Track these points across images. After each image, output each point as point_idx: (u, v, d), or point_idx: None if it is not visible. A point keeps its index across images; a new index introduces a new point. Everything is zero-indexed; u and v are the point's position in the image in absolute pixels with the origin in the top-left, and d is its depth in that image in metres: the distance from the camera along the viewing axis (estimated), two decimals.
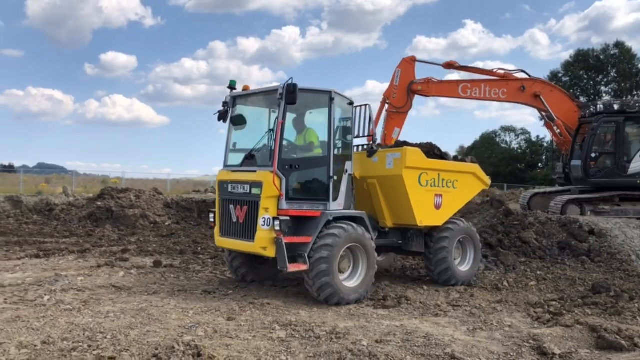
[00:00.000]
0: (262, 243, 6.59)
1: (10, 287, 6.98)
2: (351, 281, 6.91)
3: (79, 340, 4.84)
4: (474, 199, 14.07)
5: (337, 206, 7.08)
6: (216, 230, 7.45)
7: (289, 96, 6.54)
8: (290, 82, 6.56)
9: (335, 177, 7.05)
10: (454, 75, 19.71)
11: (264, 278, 7.91)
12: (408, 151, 7.78)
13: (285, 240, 6.50)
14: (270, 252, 6.58)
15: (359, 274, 6.99)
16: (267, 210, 6.62)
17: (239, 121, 7.45)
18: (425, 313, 6.51)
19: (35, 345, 4.65)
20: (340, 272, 6.79)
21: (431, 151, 8.49)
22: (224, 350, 4.70)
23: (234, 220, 7.09)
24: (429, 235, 8.26)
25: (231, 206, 7.14)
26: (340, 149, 7.47)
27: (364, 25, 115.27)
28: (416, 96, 13.53)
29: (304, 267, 6.57)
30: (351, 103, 7.56)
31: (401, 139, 9.15)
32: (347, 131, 7.56)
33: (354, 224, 6.89)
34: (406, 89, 13.22)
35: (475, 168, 8.75)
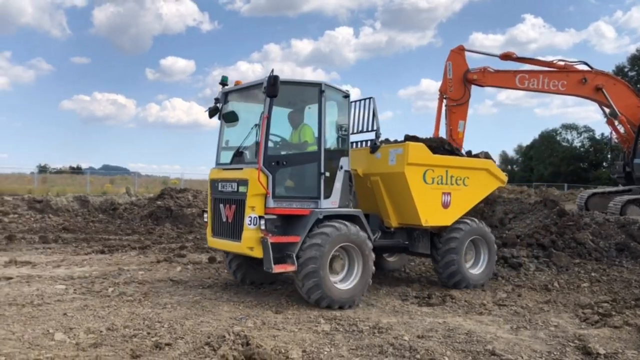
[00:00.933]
0: (249, 243, 6.30)
1: (79, 279, 7.55)
2: (345, 283, 6.56)
3: (139, 328, 5.25)
4: (527, 199, 13.85)
5: (330, 204, 6.70)
6: (208, 230, 7.25)
7: (270, 89, 6.22)
8: (271, 74, 6.23)
9: (328, 174, 6.69)
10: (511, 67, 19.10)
11: (262, 279, 7.68)
12: (410, 146, 7.28)
13: (271, 239, 6.19)
14: (258, 252, 6.26)
15: (354, 275, 6.61)
16: (253, 209, 6.34)
17: (230, 118, 7.12)
18: (470, 311, 6.56)
19: (101, 331, 5.09)
20: (334, 273, 6.50)
21: (441, 146, 8.10)
22: (271, 341, 4.96)
23: (224, 219, 6.87)
24: (438, 236, 7.81)
25: (221, 205, 6.92)
26: (335, 144, 7.09)
27: (418, 23, 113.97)
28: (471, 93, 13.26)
29: (291, 268, 6.26)
30: (347, 96, 7.15)
31: (411, 133, 8.87)
32: (342, 125, 7.14)
33: (347, 223, 6.52)
34: (462, 80, 12.91)
35: (489, 164, 8.24)
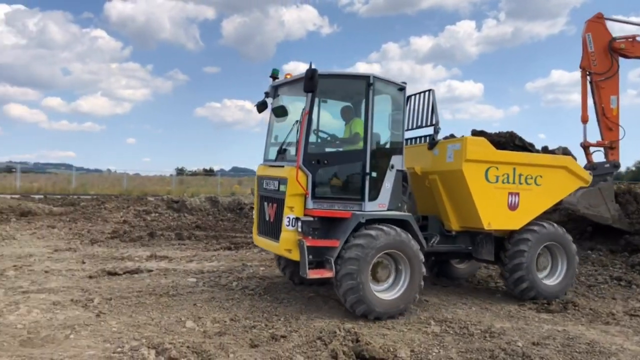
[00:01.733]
0: (287, 245, 6.02)
1: (208, 273, 8.27)
2: (389, 293, 6.09)
3: (258, 320, 5.68)
4: None
5: (376, 206, 6.26)
6: (254, 228, 7.08)
7: (307, 83, 5.88)
8: (309, 67, 5.90)
9: (375, 174, 6.26)
10: None
11: (310, 280, 7.15)
12: (469, 141, 6.63)
13: (307, 243, 5.87)
14: (295, 255, 5.95)
15: (400, 285, 6.12)
16: (292, 210, 6.05)
17: (280, 112, 6.55)
18: (594, 320, 6.15)
19: (225, 321, 5.59)
20: (378, 281, 6.10)
21: (510, 142, 7.41)
22: (380, 339, 5.10)
23: (267, 218, 6.64)
24: (507, 239, 7.09)
25: (265, 203, 6.70)
26: (385, 142, 6.69)
27: (547, 11, 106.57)
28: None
29: (327, 274, 5.89)
30: (402, 88, 6.62)
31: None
32: (396, 121, 6.68)
33: (396, 228, 6.03)
34: (606, 50, 11.43)
35: (568, 161, 7.32)
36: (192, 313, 5.87)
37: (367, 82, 6.22)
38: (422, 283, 6.19)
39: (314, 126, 6.36)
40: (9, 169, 35.86)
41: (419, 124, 7.38)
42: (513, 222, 6.96)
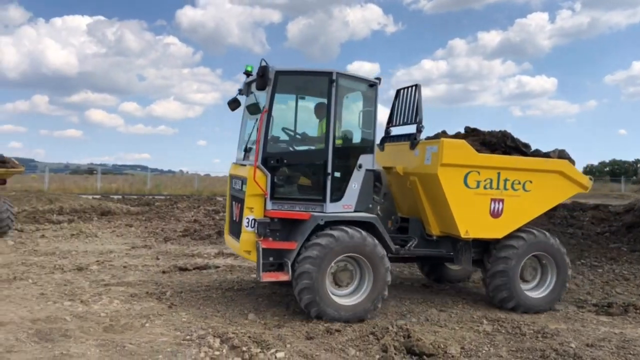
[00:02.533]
0: (246, 246, 5.87)
1: None
2: (351, 298, 5.87)
3: None
4: None
5: (340, 208, 5.99)
6: (225, 227, 7.01)
7: (259, 81, 5.73)
8: (261, 64, 5.74)
9: (339, 174, 6.01)
10: None
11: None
12: (445, 144, 6.14)
13: (263, 245, 5.70)
14: (254, 257, 5.79)
15: (363, 290, 5.88)
16: (251, 210, 5.87)
17: (254, 110, 6.17)
18: None
19: (284, 315, 5.98)
20: (339, 286, 5.88)
21: (502, 142, 6.79)
22: (431, 336, 5.27)
23: (234, 218, 6.51)
24: (494, 243, 6.61)
25: (233, 203, 6.58)
26: (353, 140, 6.44)
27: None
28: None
29: (283, 277, 5.68)
30: (373, 85, 6.29)
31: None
32: (366, 119, 6.36)
33: (361, 231, 5.77)
34: None
35: (563, 165, 6.66)
36: (254, 306, 6.29)
37: (329, 79, 5.95)
38: (386, 292, 5.91)
39: (281, 124, 6.27)
40: (90, 171, 38.42)
41: (406, 120, 6.98)
42: (495, 230, 6.47)
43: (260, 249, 5.65)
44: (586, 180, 6.82)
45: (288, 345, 4.86)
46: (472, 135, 6.96)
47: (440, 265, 7.89)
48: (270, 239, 5.86)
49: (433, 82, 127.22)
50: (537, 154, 6.87)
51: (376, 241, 5.83)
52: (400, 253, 6.52)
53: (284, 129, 6.35)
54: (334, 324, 5.59)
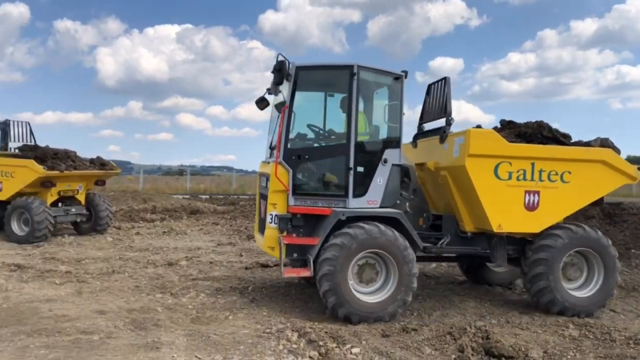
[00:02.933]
0: (270, 242, 5.92)
1: None
2: (377, 295, 5.76)
3: None
4: None
5: (364, 203, 5.95)
6: (255, 225, 7.11)
7: (276, 76, 5.77)
8: (278, 59, 5.73)
9: (362, 169, 5.99)
10: None
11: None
12: (472, 134, 5.90)
13: (285, 240, 5.79)
14: (277, 253, 5.85)
15: (388, 288, 5.76)
16: (274, 207, 5.91)
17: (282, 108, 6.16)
18: None
19: None
20: (364, 283, 5.81)
21: (538, 133, 6.40)
22: (511, 338, 5.14)
23: (261, 215, 6.59)
24: (530, 243, 6.31)
25: (261, 200, 6.67)
26: (378, 135, 6.38)
27: None
28: None
29: (304, 273, 5.80)
30: (398, 77, 6.19)
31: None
32: (392, 112, 6.26)
33: (380, 226, 5.65)
34: None
35: (606, 154, 6.17)
36: None
37: (350, 72, 5.89)
38: (414, 285, 5.76)
39: (307, 121, 6.28)
40: (180, 172, 40.47)
41: (436, 115, 6.84)
42: (532, 224, 6.15)
43: (282, 245, 5.76)
44: (634, 170, 6.30)
45: (364, 342, 4.94)
46: (508, 128, 6.68)
47: (481, 265, 7.54)
48: (294, 235, 5.90)
49: (521, 76, 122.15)
50: (578, 144, 6.44)
51: (397, 234, 5.69)
52: (432, 251, 6.39)
53: (309, 126, 6.34)
54: (410, 322, 5.61)
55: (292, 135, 6.05)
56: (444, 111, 6.48)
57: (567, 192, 6.12)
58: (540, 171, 6.05)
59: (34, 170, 10.74)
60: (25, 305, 6.00)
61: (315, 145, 6.40)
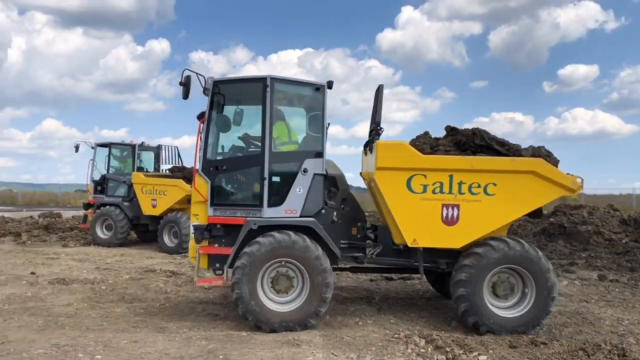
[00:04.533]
0: (192, 252, 6.11)
1: None
2: (290, 305, 5.74)
3: None
4: None
5: (282, 212, 5.89)
6: None
7: (182, 90, 5.85)
8: (182, 74, 5.84)
9: (278, 178, 5.94)
10: None
11: None
12: (379, 146, 5.75)
13: (201, 250, 5.93)
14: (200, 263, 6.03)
15: (300, 297, 5.74)
16: (196, 217, 6.06)
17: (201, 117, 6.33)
18: None
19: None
20: (281, 292, 5.77)
21: (470, 141, 5.96)
22: None
23: None
24: (454, 262, 5.96)
25: None
26: (297, 145, 6.38)
27: None
28: None
29: (217, 282, 5.99)
30: (319, 88, 6.13)
31: None
32: (314, 123, 6.25)
33: (290, 234, 5.64)
34: None
35: (536, 164, 5.69)
36: (457, 315, 6.55)
37: (263, 85, 5.94)
38: (327, 295, 5.66)
39: (239, 132, 6.36)
40: None
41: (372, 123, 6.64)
42: (451, 239, 5.82)
43: (198, 254, 5.95)
44: (570, 181, 5.77)
45: (490, 351, 5.06)
46: (451, 135, 6.35)
47: (446, 276, 6.90)
48: (216, 245, 6.04)
49: None
50: (516, 152, 5.98)
51: (309, 243, 5.67)
52: (363, 261, 6.38)
53: (240, 137, 6.43)
54: (539, 336, 5.59)
55: (210, 147, 6.15)
56: (373, 120, 6.36)
57: (492, 205, 5.78)
58: (460, 183, 5.77)
59: (183, 188, 12.26)
60: (184, 305, 6.93)
61: (233, 156, 6.44)
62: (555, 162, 5.94)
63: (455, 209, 5.79)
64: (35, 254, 11.68)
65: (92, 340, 5.16)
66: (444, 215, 5.79)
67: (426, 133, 6.40)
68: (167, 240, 12.45)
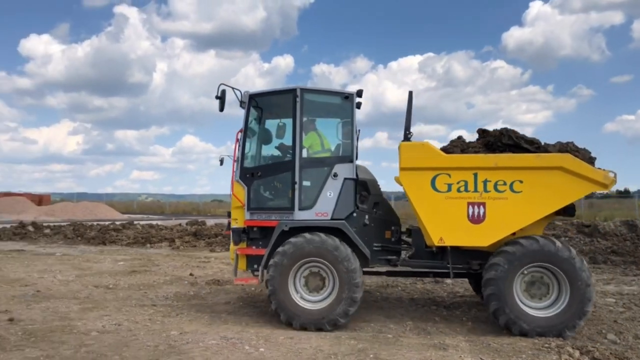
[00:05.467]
0: (232, 253, 6.52)
1: (628, 296, 8.20)
2: (321, 303, 5.99)
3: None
4: None
5: (313, 215, 6.18)
6: None
7: (219, 103, 6.36)
8: (218, 89, 6.32)
9: (309, 183, 6.26)
10: None
11: None
12: (402, 147, 5.97)
13: (238, 251, 6.35)
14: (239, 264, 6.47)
15: (329, 295, 5.99)
16: (236, 222, 6.46)
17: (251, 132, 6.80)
18: None
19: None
20: (313, 291, 6.07)
21: (498, 140, 6.00)
22: None
23: None
24: (485, 262, 5.90)
25: None
26: (328, 151, 6.67)
27: None
28: None
29: (251, 281, 6.43)
30: (347, 97, 6.40)
31: None
32: (345, 130, 6.51)
33: (321, 235, 5.91)
34: None
35: (564, 159, 5.61)
36: (613, 328, 6.21)
37: (293, 95, 6.27)
38: (357, 295, 5.85)
39: (276, 142, 6.70)
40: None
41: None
42: (478, 237, 5.79)
43: (236, 255, 6.41)
44: (601, 176, 5.59)
45: None
46: (482, 137, 6.39)
47: None
48: (253, 247, 6.39)
49: None
50: (545, 149, 5.92)
51: (338, 243, 5.90)
52: (396, 264, 6.49)
53: (277, 147, 6.75)
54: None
55: (247, 155, 6.56)
56: (405, 126, 6.40)
57: (519, 202, 5.69)
58: (485, 181, 5.75)
59: None
60: None
61: (268, 163, 6.78)
62: (586, 158, 5.82)
63: (482, 207, 5.81)
64: (189, 257, 12.98)
65: (253, 335, 5.70)
66: (470, 213, 5.83)
67: (459, 137, 6.53)
68: None
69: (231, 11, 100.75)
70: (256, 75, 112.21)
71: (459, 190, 5.84)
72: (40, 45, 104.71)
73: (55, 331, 5.76)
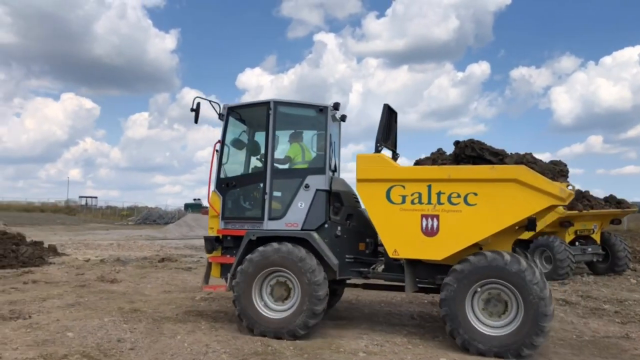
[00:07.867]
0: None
1: None
2: (284, 313, 6.00)
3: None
4: None
5: (282, 226, 6.26)
6: None
7: (194, 115, 6.56)
8: (193, 101, 6.52)
9: (280, 193, 6.41)
10: None
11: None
12: (358, 159, 5.96)
13: (211, 259, 6.54)
14: (212, 272, 6.64)
15: (292, 304, 5.97)
16: (212, 230, 6.63)
17: (238, 145, 7.09)
18: None
19: None
20: (277, 300, 6.12)
21: (461, 153, 6.04)
22: None
23: None
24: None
25: None
26: (300, 162, 6.73)
27: None
28: None
29: (219, 289, 6.51)
30: (322, 109, 6.43)
31: None
32: (319, 142, 6.65)
33: (287, 245, 5.95)
34: None
35: (518, 171, 5.38)
36: None
37: (267, 108, 6.45)
38: (318, 308, 5.77)
39: (258, 153, 6.82)
40: None
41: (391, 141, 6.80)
42: (432, 251, 5.65)
43: (208, 262, 6.66)
44: (557, 189, 5.29)
45: None
46: (457, 149, 6.36)
47: None
48: (227, 255, 6.56)
49: None
50: (493, 161, 5.81)
51: (304, 254, 5.88)
52: (367, 276, 6.41)
53: (258, 159, 6.84)
54: None
55: (223, 166, 6.73)
56: (390, 140, 6.54)
57: (474, 215, 5.48)
58: (439, 194, 5.61)
59: (556, 211, 10.48)
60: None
61: (242, 174, 6.90)
62: (555, 171, 5.62)
63: (435, 220, 5.66)
64: None
65: (401, 342, 5.85)
66: (424, 225, 5.69)
67: (439, 150, 6.58)
68: (539, 265, 11.40)
69: (423, 25, 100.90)
70: (449, 85, 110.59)
71: (412, 202, 5.75)
72: (253, 78, 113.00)
73: (323, 348, 5.59)
